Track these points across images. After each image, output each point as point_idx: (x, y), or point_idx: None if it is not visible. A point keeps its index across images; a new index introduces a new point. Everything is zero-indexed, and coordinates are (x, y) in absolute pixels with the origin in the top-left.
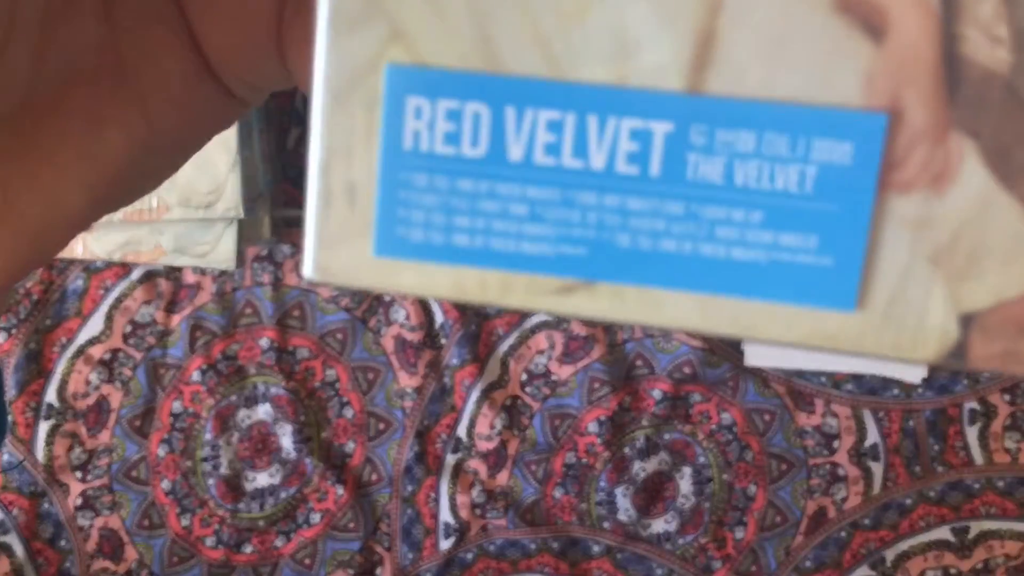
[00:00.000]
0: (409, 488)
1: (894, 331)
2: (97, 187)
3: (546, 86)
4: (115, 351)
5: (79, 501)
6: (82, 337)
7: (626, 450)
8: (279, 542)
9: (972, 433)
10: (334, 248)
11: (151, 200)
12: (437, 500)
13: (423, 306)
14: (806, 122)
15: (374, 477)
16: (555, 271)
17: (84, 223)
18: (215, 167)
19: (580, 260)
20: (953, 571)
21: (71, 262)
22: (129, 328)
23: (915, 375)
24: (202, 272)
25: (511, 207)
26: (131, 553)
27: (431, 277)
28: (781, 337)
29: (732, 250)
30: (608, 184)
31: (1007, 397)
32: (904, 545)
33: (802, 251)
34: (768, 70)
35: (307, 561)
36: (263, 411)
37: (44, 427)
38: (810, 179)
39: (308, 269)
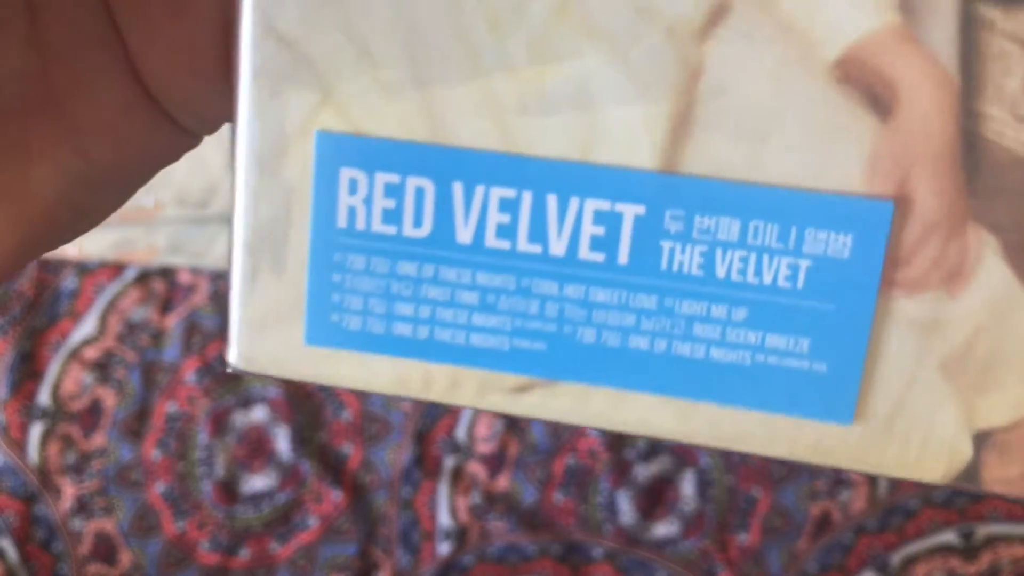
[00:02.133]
0: (407, 491)
1: (897, 448)
2: (26, 229)
3: (499, 160)
4: (109, 352)
5: (72, 504)
6: (75, 338)
7: (628, 453)
8: (275, 546)
9: None
10: (261, 336)
11: (146, 199)
12: (436, 503)
13: None
14: (799, 209)
15: (372, 480)
16: (510, 368)
17: (14, 267)
18: (210, 166)
19: (539, 356)
20: (959, 575)
21: (64, 262)
22: (123, 329)
23: None
24: (197, 272)
25: (460, 295)
26: (125, 557)
27: (370, 370)
28: (767, 451)
29: (712, 351)
30: (570, 272)
31: None
32: (910, 549)
33: (793, 355)
34: (755, 148)
35: (304, 565)
36: (259, 413)
37: (37, 429)
38: (803, 274)
39: (233, 356)
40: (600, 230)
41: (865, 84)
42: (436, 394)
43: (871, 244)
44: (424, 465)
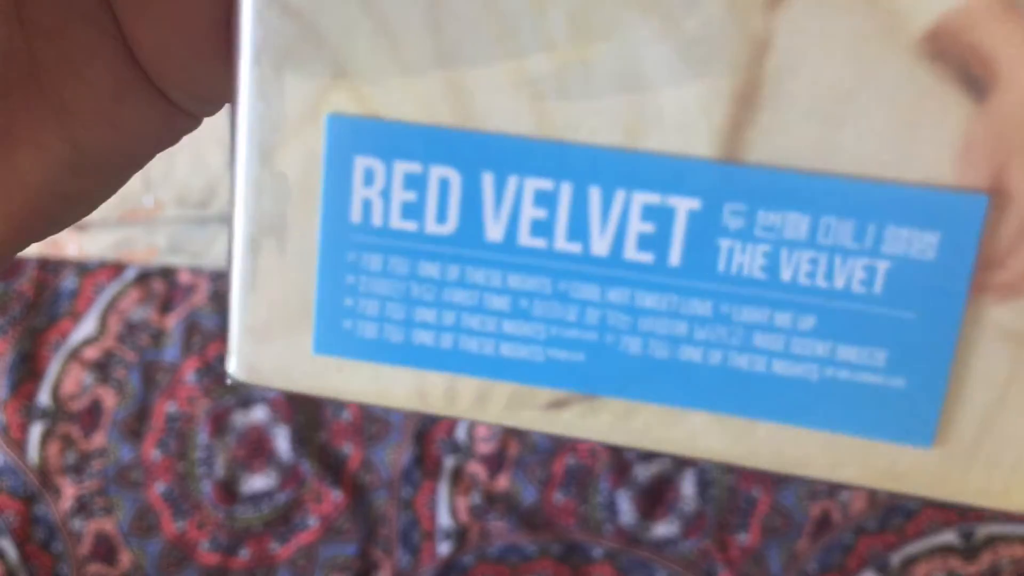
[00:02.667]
0: (407, 491)
1: (983, 475)
2: (11, 218)
3: (535, 147)
4: (109, 352)
5: (72, 504)
6: (75, 338)
7: (628, 452)
8: (275, 546)
9: None
10: (264, 344)
11: (146, 199)
12: (436, 503)
13: None
14: (878, 204)
15: (372, 480)
16: (545, 381)
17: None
18: (210, 165)
19: (577, 368)
20: (959, 575)
21: (64, 262)
22: (123, 329)
23: None
24: (197, 272)
25: (489, 299)
26: (125, 557)
27: (386, 383)
28: (833, 476)
29: (775, 363)
30: (614, 274)
31: None
32: (910, 549)
33: (867, 369)
34: (830, 134)
35: (304, 565)
36: (259, 413)
37: (37, 429)
38: (880, 277)
39: (233, 367)
40: (649, 227)
41: (959, 61)
42: (461, 410)
43: (961, 243)
44: (424, 465)
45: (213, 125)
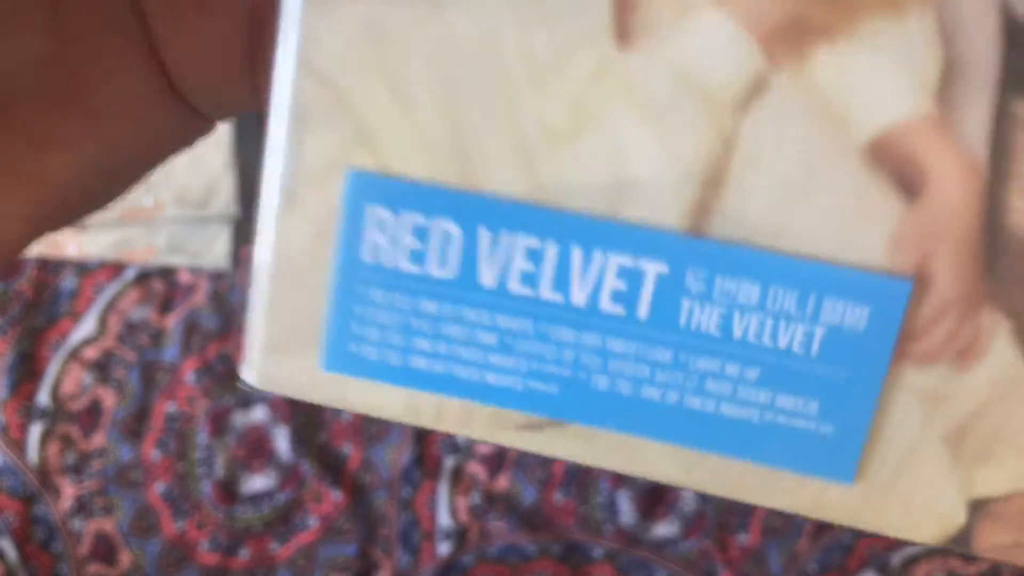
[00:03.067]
0: (407, 491)
1: (896, 509)
2: (37, 212)
3: (527, 210)
4: (109, 352)
5: (72, 504)
6: (75, 338)
7: None
8: (275, 546)
9: None
10: (279, 359)
11: (146, 198)
12: (436, 503)
13: None
14: (819, 280)
15: (372, 480)
16: (522, 406)
17: (20, 248)
18: (210, 165)
19: (551, 398)
20: (959, 575)
21: (64, 262)
22: (123, 329)
23: None
24: (197, 272)
25: (479, 335)
26: (125, 557)
27: (384, 398)
28: (769, 502)
29: (722, 406)
30: (589, 322)
31: None
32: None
33: (801, 415)
34: (781, 218)
35: (304, 565)
36: (259, 413)
37: (36, 429)
38: (817, 341)
39: (251, 376)
40: (622, 284)
41: (895, 167)
42: (448, 425)
43: (887, 318)
44: (424, 465)
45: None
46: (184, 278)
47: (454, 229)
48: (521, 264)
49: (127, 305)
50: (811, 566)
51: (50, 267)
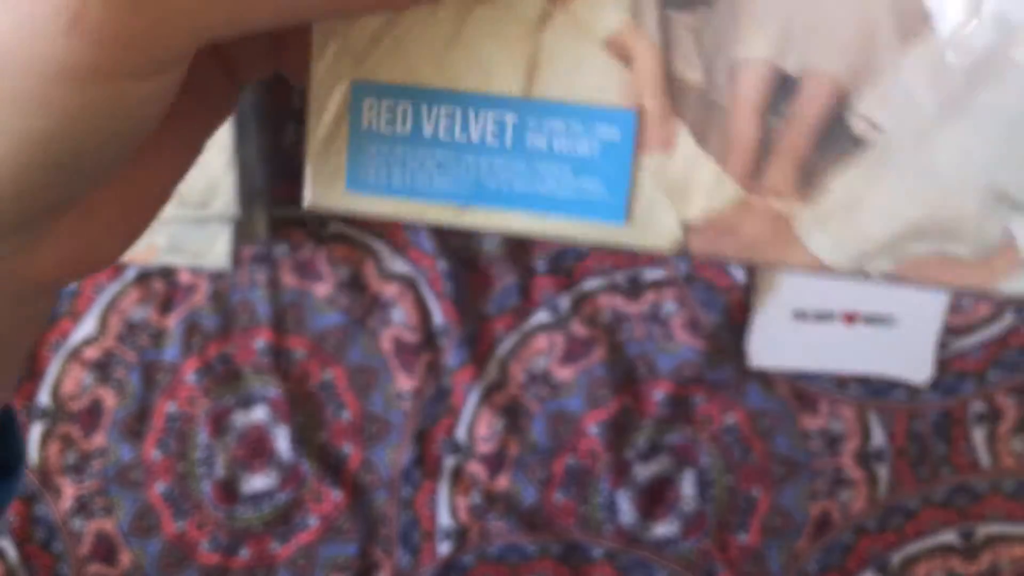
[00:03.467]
0: (407, 491)
1: (648, 234)
2: (143, 222)
3: (444, 93)
4: (109, 352)
5: (72, 504)
6: (75, 338)
7: (628, 452)
8: (275, 546)
9: (979, 435)
10: (323, 187)
11: None
12: (436, 503)
13: (422, 307)
14: (593, 114)
15: (372, 480)
16: (452, 200)
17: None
18: (210, 166)
19: (464, 194)
20: (959, 575)
21: None
22: (123, 329)
23: (921, 377)
24: (197, 272)
25: (426, 163)
26: (125, 557)
27: (378, 204)
28: (580, 237)
29: (554, 188)
30: (481, 150)
31: (1014, 399)
32: (910, 549)
33: (594, 189)
34: (570, 84)
35: (304, 565)
36: (259, 413)
37: (37, 429)
38: (596, 148)
39: (307, 200)
40: (496, 128)
41: (618, 51)
42: (412, 215)
43: (627, 131)
44: (424, 465)
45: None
46: (184, 278)
47: (408, 106)
48: (444, 122)
49: (127, 305)
50: (811, 566)
51: None
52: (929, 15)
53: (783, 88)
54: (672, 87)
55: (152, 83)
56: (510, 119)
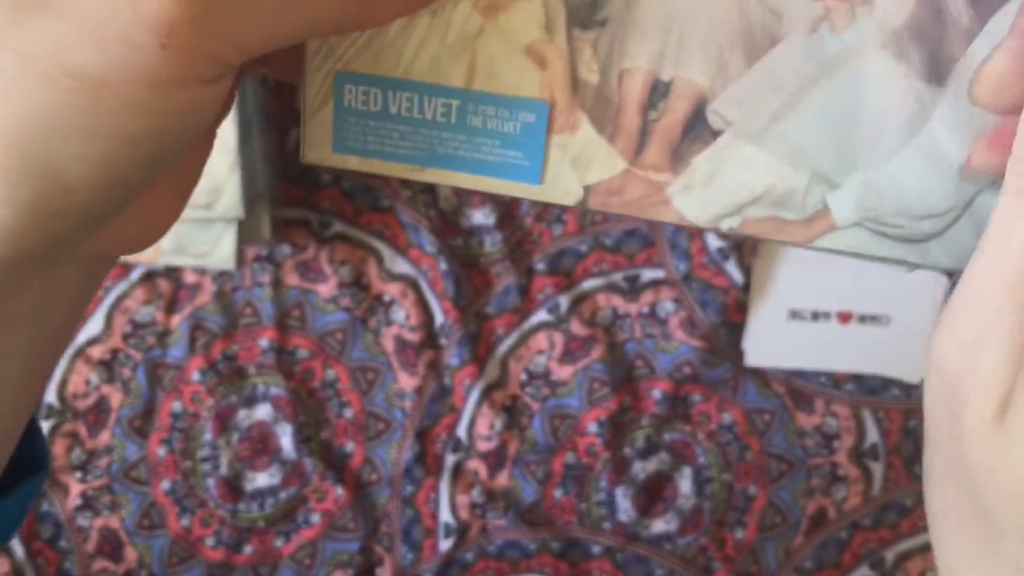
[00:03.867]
0: (409, 488)
1: (557, 193)
2: (182, 204)
3: (405, 82)
4: (115, 351)
5: (79, 501)
6: (82, 337)
7: (626, 450)
8: (279, 542)
9: None
10: (315, 149)
11: None
12: (437, 501)
13: (423, 307)
14: (516, 104)
15: (374, 477)
16: (412, 162)
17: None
18: (215, 167)
19: (421, 158)
20: None
21: None
22: (129, 328)
23: (915, 375)
24: (202, 272)
25: (391, 133)
26: (131, 553)
27: (356, 162)
28: (506, 192)
29: (488, 156)
30: (434, 125)
31: None
32: (904, 545)
33: (517, 158)
34: (498, 79)
35: (307, 562)
36: (263, 411)
37: (44, 427)
38: (519, 128)
39: (304, 157)
40: (444, 110)
41: (535, 57)
42: (377, 171)
43: (541, 117)
44: (425, 463)
45: (217, 131)
46: (189, 278)
47: (378, 91)
48: (405, 104)
49: (133, 305)
50: (806, 562)
51: None
52: (776, 37)
53: (658, 90)
54: (576, 85)
55: (215, 87)
56: (454, 103)
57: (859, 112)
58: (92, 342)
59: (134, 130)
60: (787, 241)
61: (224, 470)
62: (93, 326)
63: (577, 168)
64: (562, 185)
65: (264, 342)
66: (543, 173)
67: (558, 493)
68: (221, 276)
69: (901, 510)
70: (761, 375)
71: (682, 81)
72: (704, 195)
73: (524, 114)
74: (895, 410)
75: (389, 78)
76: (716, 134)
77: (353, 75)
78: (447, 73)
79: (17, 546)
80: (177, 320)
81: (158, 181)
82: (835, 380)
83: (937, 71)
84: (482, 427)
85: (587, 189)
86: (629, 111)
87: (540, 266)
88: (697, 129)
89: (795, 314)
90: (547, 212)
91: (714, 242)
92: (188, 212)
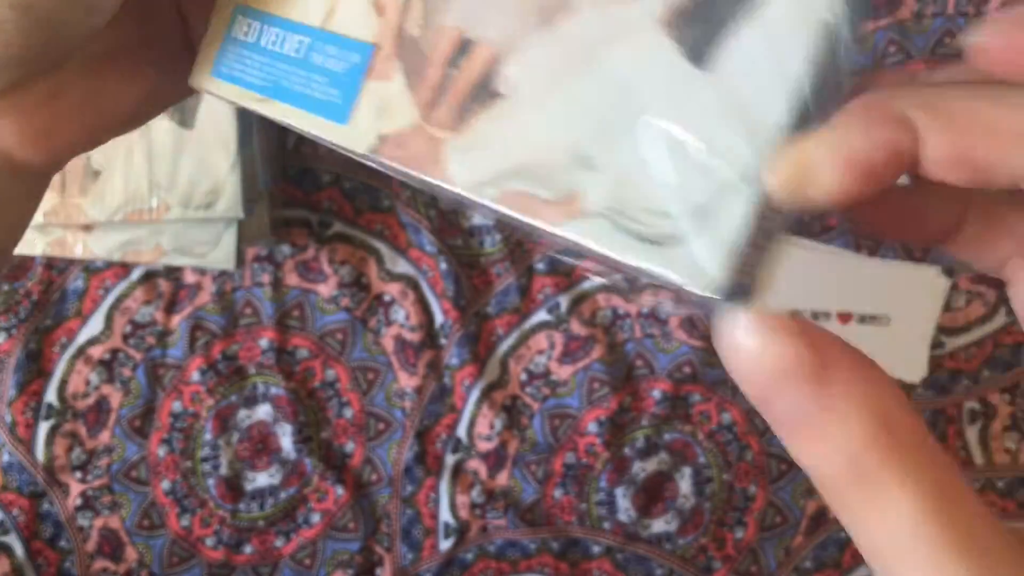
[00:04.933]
0: (409, 488)
1: (356, 138)
2: (110, 125)
3: (279, 19)
4: (115, 351)
5: (79, 501)
6: (82, 337)
7: (626, 450)
8: (279, 542)
9: (972, 433)
10: (200, 73)
11: (151, 200)
12: (437, 500)
13: (423, 307)
14: (347, 44)
15: (374, 477)
16: (258, 91)
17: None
18: (215, 168)
19: (267, 89)
20: None
21: (71, 262)
22: (129, 328)
23: (915, 376)
24: (202, 272)
25: (255, 64)
26: (131, 553)
27: (223, 88)
28: (314, 129)
29: (313, 92)
30: (285, 59)
31: (1007, 397)
32: None
33: (335, 96)
34: (346, 22)
35: (307, 561)
36: (263, 411)
37: (44, 427)
38: (344, 67)
39: (190, 80)
40: (298, 46)
41: (378, 7)
42: (242, 101)
43: (365, 57)
44: (425, 462)
45: (218, 130)
46: (189, 278)
47: (258, 25)
48: (272, 38)
49: (133, 305)
50: (806, 562)
51: (57, 267)
52: (569, 5)
53: (463, 49)
54: (402, 37)
55: None
56: (306, 40)
57: (629, 91)
58: (92, 342)
59: None
60: (537, 225)
61: (224, 470)
62: (93, 326)
63: (380, 117)
64: (362, 130)
65: (264, 342)
66: (351, 114)
67: (558, 493)
68: (221, 276)
69: None
70: None
71: (482, 41)
72: (473, 159)
73: (352, 54)
74: None
75: (270, 14)
76: (498, 99)
77: (249, 9)
78: (311, 14)
79: (17, 546)
80: (177, 320)
81: (60, 75)
82: None
83: (705, 55)
84: (482, 427)
85: (381, 139)
86: (434, 65)
87: (540, 266)
88: (484, 91)
89: (795, 315)
90: None
91: None
92: (188, 212)
